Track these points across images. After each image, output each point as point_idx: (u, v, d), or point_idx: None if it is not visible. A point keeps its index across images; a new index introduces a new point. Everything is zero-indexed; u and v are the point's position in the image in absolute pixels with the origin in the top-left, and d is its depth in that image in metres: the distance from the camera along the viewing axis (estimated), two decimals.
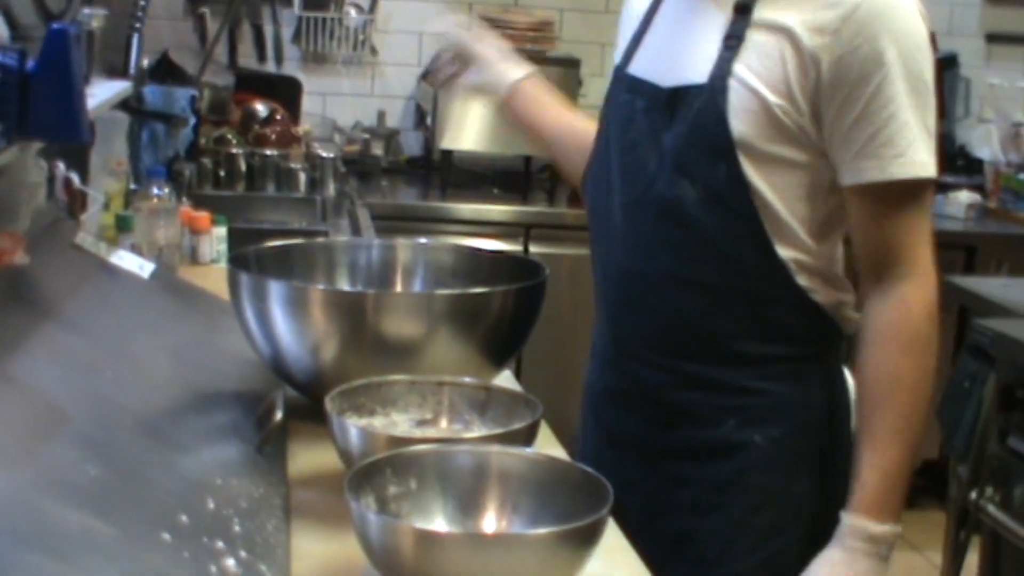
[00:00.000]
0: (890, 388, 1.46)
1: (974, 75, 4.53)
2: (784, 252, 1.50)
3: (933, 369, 1.47)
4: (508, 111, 1.86)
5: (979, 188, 4.19)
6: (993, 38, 4.58)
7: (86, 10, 1.90)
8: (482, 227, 3.68)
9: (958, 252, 3.84)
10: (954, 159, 4.32)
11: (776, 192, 1.48)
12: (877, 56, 1.42)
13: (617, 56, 1.74)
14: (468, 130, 3.82)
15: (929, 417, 1.50)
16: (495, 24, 3.88)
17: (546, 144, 1.88)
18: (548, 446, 1.54)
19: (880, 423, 1.46)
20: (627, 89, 1.63)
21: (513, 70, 1.83)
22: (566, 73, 3.82)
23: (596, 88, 3.93)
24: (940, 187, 1.56)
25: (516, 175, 4.11)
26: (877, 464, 1.46)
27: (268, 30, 4.10)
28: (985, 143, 4.48)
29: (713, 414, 1.56)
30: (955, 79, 4.47)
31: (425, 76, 2.03)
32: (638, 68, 1.63)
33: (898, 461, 1.46)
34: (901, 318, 1.46)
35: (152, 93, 3.07)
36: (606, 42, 4.22)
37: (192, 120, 3.14)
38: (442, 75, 1.88)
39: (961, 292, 2.97)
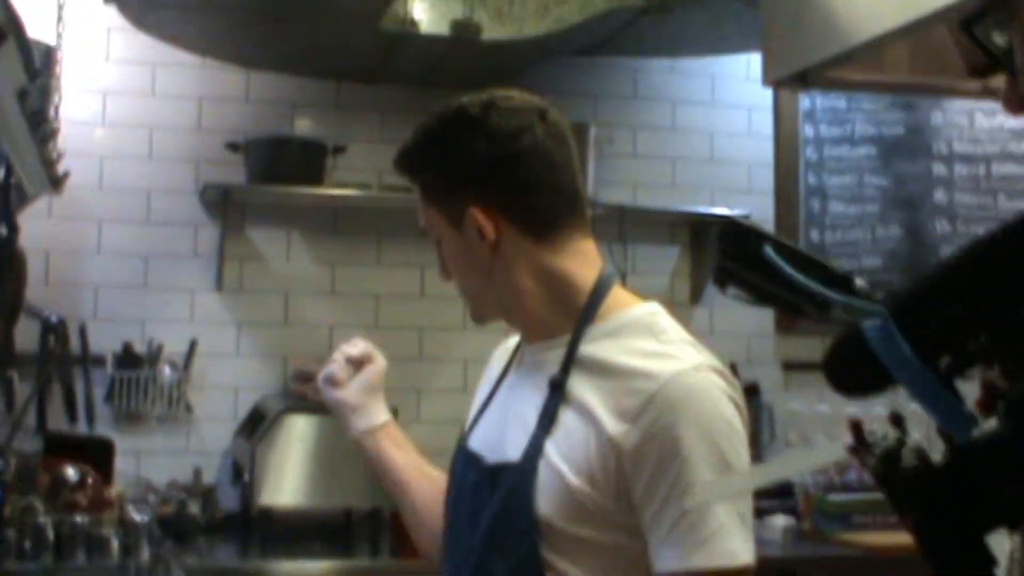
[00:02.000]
0: None
1: (776, 401, 4.74)
2: None
3: None
4: (360, 450, 1.88)
5: (792, 511, 4.31)
6: (789, 366, 4.83)
7: None
8: None
9: None
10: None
11: (585, 575, 1.47)
12: (674, 444, 1.41)
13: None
14: (286, 484, 3.78)
15: None
16: (308, 378, 3.92)
17: (397, 492, 1.86)
18: None
19: None
20: (463, 462, 1.67)
21: (365, 419, 1.85)
22: None
23: (415, 434, 3.96)
24: (756, 512, 1.55)
25: (337, 528, 4.06)
26: None
27: (80, 390, 4.05)
28: None
29: None
30: (759, 407, 4.67)
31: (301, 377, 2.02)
32: (475, 441, 1.67)
33: None
34: None
35: None
36: (421, 387, 4.31)
37: None
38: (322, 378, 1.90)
39: None
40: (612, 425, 1.46)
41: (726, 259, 0.93)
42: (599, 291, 1.60)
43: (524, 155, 1.58)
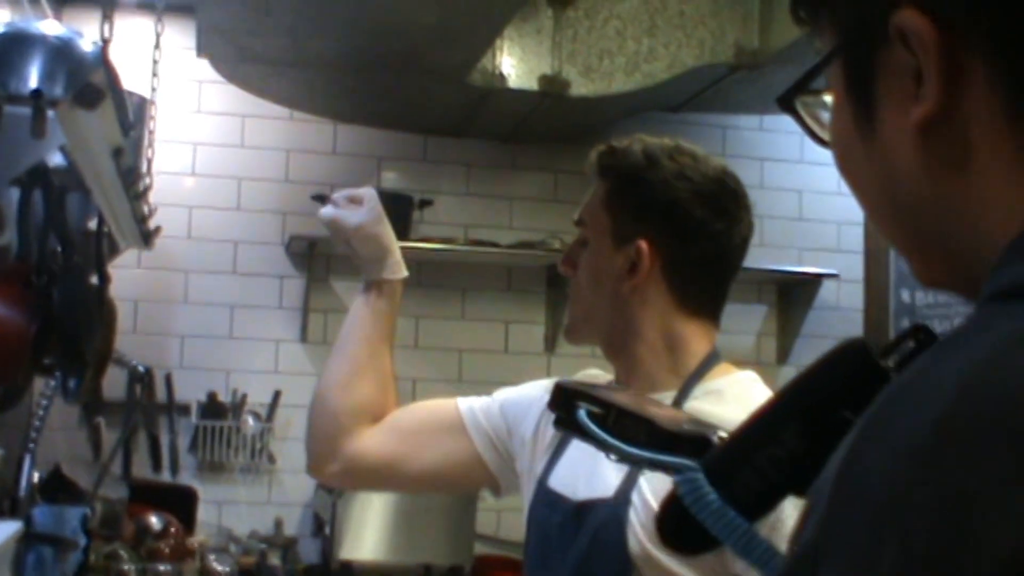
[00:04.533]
0: None
1: None
2: None
3: None
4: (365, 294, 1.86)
5: None
6: None
7: None
8: None
9: None
10: None
11: None
12: None
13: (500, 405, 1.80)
14: (367, 539, 3.76)
15: None
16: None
17: (363, 352, 1.84)
18: None
19: None
20: (545, 503, 1.65)
21: (388, 267, 1.83)
22: None
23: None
24: None
25: None
26: None
27: (164, 439, 4.08)
28: None
29: None
30: None
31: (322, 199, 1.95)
32: (555, 481, 1.65)
33: None
34: None
35: (42, 514, 2.99)
36: None
37: (83, 542, 3.05)
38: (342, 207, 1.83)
39: None
40: None
41: (561, 427, 0.96)
42: (710, 361, 1.64)
43: (725, 247, 1.64)
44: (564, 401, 0.96)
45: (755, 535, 0.73)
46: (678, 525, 0.77)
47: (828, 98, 0.78)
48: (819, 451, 0.68)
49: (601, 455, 1.57)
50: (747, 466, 0.76)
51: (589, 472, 1.59)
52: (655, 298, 1.63)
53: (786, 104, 0.80)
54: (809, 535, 0.57)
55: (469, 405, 1.84)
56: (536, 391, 1.81)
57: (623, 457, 0.89)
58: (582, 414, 0.92)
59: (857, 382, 0.72)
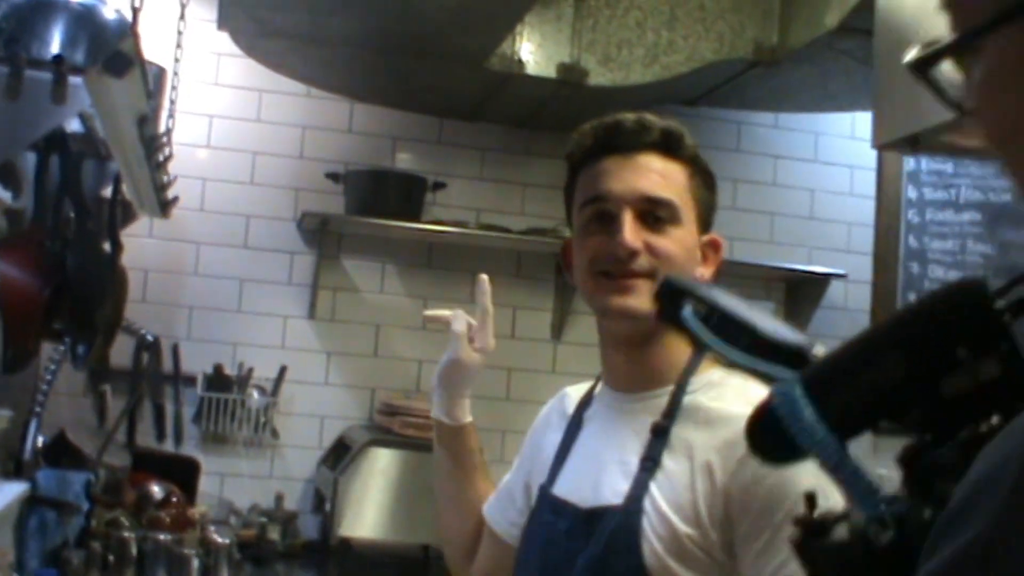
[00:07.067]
0: None
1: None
2: None
3: None
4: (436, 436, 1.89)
5: None
6: (878, 429, 4.73)
7: None
8: None
9: None
10: None
11: None
12: (781, 488, 1.39)
13: (515, 467, 1.80)
14: (367, 517, 3.78)
15: None
16: (396, 412, 3.94)
17: (443, 501, 1.91)
18: None
19: None
20: (550, 510, 1.64)
21: (454, 415, 1.87)
22: None
23: (498, 473, 3.95)
24: None
25: (415, 562, 4.05)
26: None
27: (169, 409, 4.10)
28: None
29: None
30: None
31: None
32: (561, 489, 1.65)
33: None
34: None
35: (46, 478, 3.01)
36: (506, 428, 4.28)
37: (85, 507, 3.07)
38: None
39: None
40: (721, 468, 1.45)
41: (664, 321, 0.94)
42: (700, 352, 1.62)
43: None
44: (669, 297, 0.95)
45: (846, 453, 0.73)
46: (768, 435, 0.77)
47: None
48: (921, 384, 0.68)
49: (606, 460, 1.59)
50: (846, 386, 0.75)
51: (595, 478, 1.59)
52: None
53: (922, 71, 0.73)
54: (979, 530, 0.56)
55: (489, 505, 1.88)
56: (541, 415, 1.86)
57: (721, 358, 0.89)
58: (687, 312, 0.91)
59: (970, 321, 0.71)
